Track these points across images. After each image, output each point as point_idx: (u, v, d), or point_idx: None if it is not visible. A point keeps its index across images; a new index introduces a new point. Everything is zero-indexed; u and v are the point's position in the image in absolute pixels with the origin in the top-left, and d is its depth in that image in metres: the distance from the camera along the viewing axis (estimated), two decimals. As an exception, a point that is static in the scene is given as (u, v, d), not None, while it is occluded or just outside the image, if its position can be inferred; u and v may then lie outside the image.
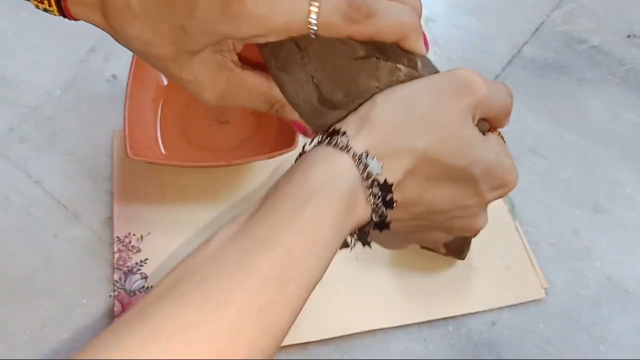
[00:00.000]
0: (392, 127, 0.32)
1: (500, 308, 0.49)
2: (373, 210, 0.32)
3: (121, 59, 0.64)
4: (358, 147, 0.32)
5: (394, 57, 0.34)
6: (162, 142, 0.56)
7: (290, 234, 0.29)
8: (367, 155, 0.32)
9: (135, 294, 0.49)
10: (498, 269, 0.51)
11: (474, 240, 0.50)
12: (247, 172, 0.55)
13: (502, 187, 0.37)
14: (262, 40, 0.33)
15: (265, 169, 0.55)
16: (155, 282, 0.49)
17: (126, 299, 0.49)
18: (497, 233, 0.52)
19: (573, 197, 0.56)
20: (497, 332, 0.49)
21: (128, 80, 0.54)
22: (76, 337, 0.48)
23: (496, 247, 0.51)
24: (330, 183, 0.31)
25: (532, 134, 0.60)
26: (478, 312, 0.49)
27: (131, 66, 0.55)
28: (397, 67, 0.34)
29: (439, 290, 0.50)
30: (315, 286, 0.30)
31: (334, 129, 0.33)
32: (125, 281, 0.49)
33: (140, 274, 0.50)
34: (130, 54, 0.55)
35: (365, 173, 0.32)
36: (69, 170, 0.56)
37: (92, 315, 0.49)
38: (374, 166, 0.32)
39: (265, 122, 0.57)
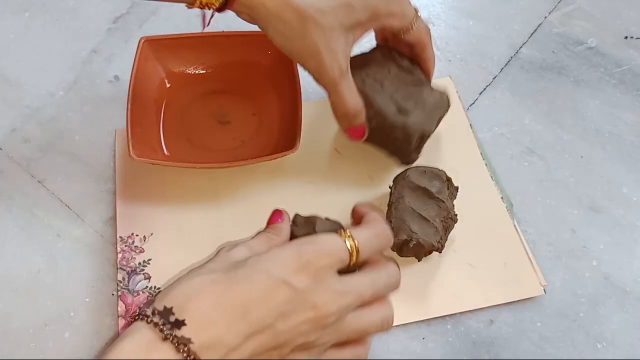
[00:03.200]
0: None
1: (498, 307, 0.50)
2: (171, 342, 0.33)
3: (123, 60, 0.64)
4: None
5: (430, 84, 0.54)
6: (165, 142, 0.56)
7: None
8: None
9: (138, 294, 0.49)
10: (497, 266, 0.51)
11: (473, 239, 0.50)
12: (248, 173, 0.55)
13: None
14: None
15: (267, 170, 0.56)
16: (158, 282, 0.50)
17: (129, 299, 0.49)
18: (495, 231, 0.53)
19: (570, 196, 0.56)
20: (496, 331, 0.49)
21: (130, 81, 0.54)
22: (79, 336, 0.48)
23: (494, 245, 0.52)
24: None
25: (529, 135, 0.60)
26: (476, 311, 0.49)
27: (133, 67, 0.55)
28: (440, 92, 0.53)
29: (438, 289, 0.50)
30: None
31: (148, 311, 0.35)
32: (128, 281, 0.50)
33: (143, 274, 0.50)
34: (132, 54, 0.56)
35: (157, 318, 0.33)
36: (72, 170, 0.57)
37: (95, 315, 0.49)
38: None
39: (267, 124, 0.58)
